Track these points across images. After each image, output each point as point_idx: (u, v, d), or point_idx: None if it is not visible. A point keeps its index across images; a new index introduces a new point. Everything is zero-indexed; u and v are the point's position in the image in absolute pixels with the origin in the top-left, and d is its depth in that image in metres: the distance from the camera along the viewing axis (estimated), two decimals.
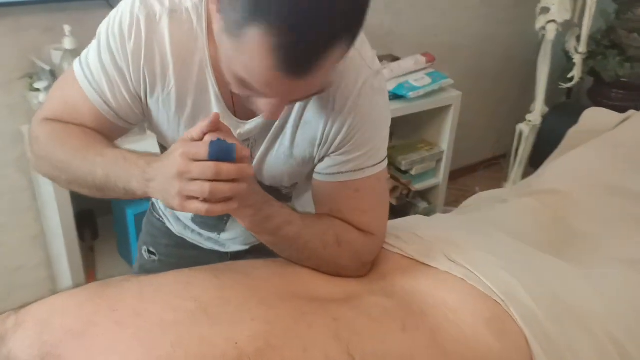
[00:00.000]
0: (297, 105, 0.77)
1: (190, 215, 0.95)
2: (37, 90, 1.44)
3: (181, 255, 1.06)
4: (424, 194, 2.33)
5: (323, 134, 0.77)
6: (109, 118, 0.77)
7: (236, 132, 0.78)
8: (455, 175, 2.82)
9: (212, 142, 0.62)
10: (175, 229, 1.03)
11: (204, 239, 1.00)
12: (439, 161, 2.24)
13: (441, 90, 2.07)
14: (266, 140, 0.81)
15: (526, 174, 2.15)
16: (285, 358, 0.64)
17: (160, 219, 1.07)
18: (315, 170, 0.83)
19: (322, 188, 0.83)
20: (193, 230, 0.99)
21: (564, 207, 1.19)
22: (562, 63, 2.56)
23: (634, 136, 1.38)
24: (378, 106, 0.78)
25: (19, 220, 1.72)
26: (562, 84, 2.24)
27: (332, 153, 0.79)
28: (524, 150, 2.35)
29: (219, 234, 0.96)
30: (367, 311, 0.76)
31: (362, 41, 0.76)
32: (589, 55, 2.36)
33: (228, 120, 0.77)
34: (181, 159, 0.63)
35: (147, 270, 1.12)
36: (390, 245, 0.90)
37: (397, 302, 0.79)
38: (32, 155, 0.80)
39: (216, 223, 0.94)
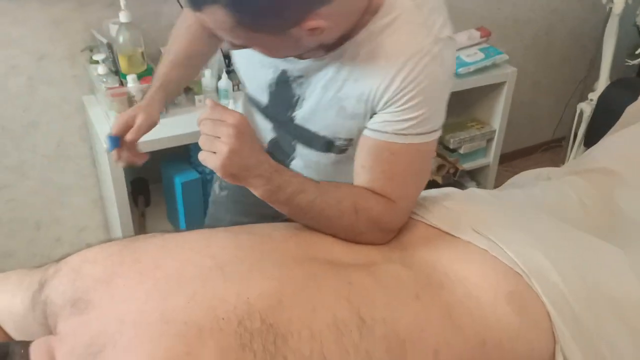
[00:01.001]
0: (350, 58, 0.81)
1: (267, 138, 1.04)
2: (96, 62, 1.52)
3: (248, 193, 1.12)
4: (473, 174, 2.28)
5: (370, 90, 0.80)
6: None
7: (290, 67, 0.88)
8: (509, 157, 2.73)
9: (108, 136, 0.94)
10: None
11: None
12: (489, 140, 2.17)
13: (494, 66, 2.00)
14: (318, 87, 0.86)
15: None
16: (293, 316, 0.66)
17: None
18: (365, 127, 0.85)
19: (363, 143, 0.85)
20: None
21: (615, 187, 1.13)
22: (632, 39, 2.39)
23: None
24: (432, 74, 0.78)
25: (83, 184, 1.84)
26: (629, 60, 2.10)
27: (380, 111, 0.81)
28: (584, 131, 2.23)
29: (289, 161, 1.03)
30: (382, 279, 0.76)
31: (434, 8, 0.79)
32: None
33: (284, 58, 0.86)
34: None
35: (216, 204, 1.26)
36: (414, 213, 0.90)
37: (414, 273, 0.79)
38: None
39: (287, 149, 1.01)
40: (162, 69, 1.03)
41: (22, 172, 1.73)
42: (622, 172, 1.16)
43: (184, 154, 1.71)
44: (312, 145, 0.95)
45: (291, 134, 0.97)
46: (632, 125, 1.29)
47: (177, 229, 1.73)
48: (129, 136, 0.93)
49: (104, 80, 1.51)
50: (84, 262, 0.74)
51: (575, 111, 2.28)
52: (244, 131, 0.74)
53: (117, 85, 1.51)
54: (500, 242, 0.83)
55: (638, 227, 1.07)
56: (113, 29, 1.52)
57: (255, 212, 1.20)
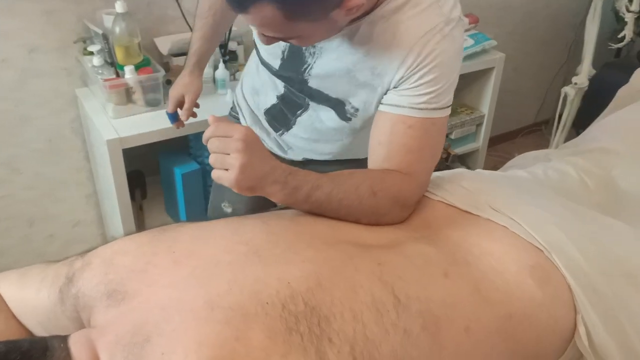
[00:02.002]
0: (365, 35, 0.85)
1: (266, 106, 1.11)
2: (91, 53, 1.49)
3: None
4: (463, 159, 2.32)
5: (385, 65, 0.84)
6: None
7: None
8: (494, 141, 2.78)
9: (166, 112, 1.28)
10: (247, 122, 1.17)
11: (269, 138, 1.14)
12: (479, 125, 2.22)
13: (484, 52, 2.04)
14: (331, 59, 0.90)
15: (569, 140, 2.10)
16: (334, 298, 0.67)
17: (236, 114, 1.24)
18: (379, 102, 0.89)
19: (378, 118, 0.89)
20: (262, 127, 1.15)
21: (614, 166, 1.17)
22: (611, 24, 2.46)
23: None
24: (445, 52, 0.82)
25: (75, 178, 1.81)
26: (612, 44, 2.16)
27: (394, 88, 0.85)
28: (568, 114, 2.29)
29: (282, 134, 1.11)
30: (410, 257, 0.78)
31: None
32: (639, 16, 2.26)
33: None
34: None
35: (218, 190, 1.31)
36: (433, 194, 0.92)
37: (440, 251, 0.81)
38: None
39: (285, 120, 1.09)
40: (195, 45, 1.21)
41: (14, 168, 1.69)
42: (620, 151, 1.21)
43: (183, 144, 1.70)
44: (325, 103, 0.99)
45: (305, 92, 1.00)
46: (628, 106, 1.34)
47: (176, 222, 1.72)
48: (183, 117, 1.26)
49: (100, 72, 1.49)
50: (116, 253, 0.74)
51: (559, 95, 2.34)
52: (252, 143, 0.76)
53: (114, 76, 1.49)
54: (518, 218, 0.85)
55: (637, 203, 1.12)
56: (107, 20, 1.50)
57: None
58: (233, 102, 1.28)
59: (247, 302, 0.64)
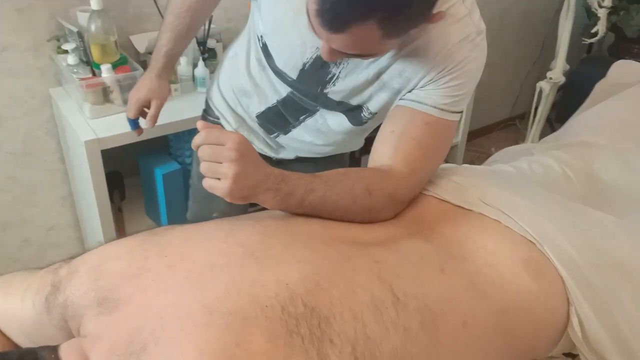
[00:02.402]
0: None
1: (259, 109, 1.09)
2: (65, 52, 1.44)
3: None
4: None
5: (415, 69, 0.85)
6: None
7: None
8: (471, 136, 2.82)
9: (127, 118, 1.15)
10: (232, 126, 1.14)
11: (258, 139, 1.12)
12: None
13: None
14: (361, 65, 0.89)
15: (545, 133, 2.14)
16: (334, 298, 0.66)
17: (217, 119, 1.17)
18: (399, 98, 0.89)
19: (396, 111, 0.89)
20: (249, 129, 1.13)
21: (595, 159, 1.20)
22: (582, 19, 2.51)
23: None
24: (474, 61, 0.85)
25: (49, 181, 1.76)
26: (585, 39, 2.21)
27: (420, 87, 0.86)
28: (543, 108, 2.33)
29: (277, 137, 1.10)
30: (406, 255, 0.78)
31: (473, 2, 0.86)
32: (612, 11, 2.32)
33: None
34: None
35: (198, 195, 1.28)
36: (425, 189, 0.92)
37: (435, 246, 0.81)
38: None
39: (283, 123, 1.07)
40: (167, 46, 1.12)
41: None
42: (600, 144, 1.23)
43: (162, 144, 1.67)
44: (338, 109, 0.99)
45: (319, 100, 0.99)
46: (606, 100, 1.37)
47: (158, 223, 1.69)
48: (148, 124, 1.15)
49: (75, 71, 1.44)
50: (105, 259, 0.71)
51: (534, 90, 2.38)
52: (245, 151, 0.74)
53: (90, 75, 1.45)
54: (510, 212, 0.86)
55: (619, 195, 1.15)
56: (82, 17, 1.45)
57: None
58: (207, 104, 1.23)
59: (246, 305, 0.63)
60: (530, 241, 0.83)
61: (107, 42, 1.43)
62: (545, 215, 0.87)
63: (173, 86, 1.58)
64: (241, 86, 1.10)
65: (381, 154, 0.88)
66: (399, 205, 0.88)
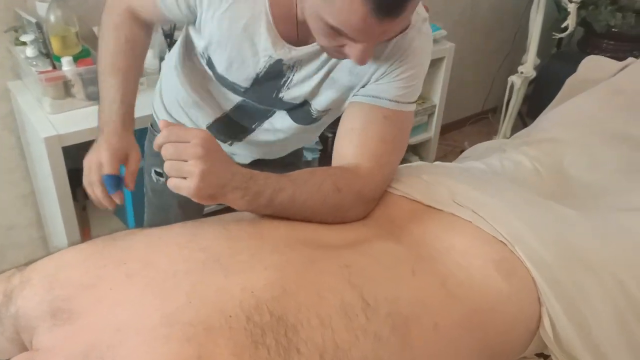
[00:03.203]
0: None
1: (208, 120, 1.05)
2: (24, 43, 1.38)
3: None
4: (415, 149, 2.34)
5: (365, 65, 0.82)
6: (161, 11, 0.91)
7: (288, 57, 0.87)
8: (444, 130, 2.82)
9: (104, 176, 0.87)
10: None
11: None
12: (430, 115, 2.24)
13: (434, 42, 2.04)
14: (313, 68, 0.88)
15: (516, 127, 2.16)
16: (300, 302, 0.64)
17: None
18: (353, 95, 0.88)
19: (353, 108, 0.87)
20: None
21: (564, 155, 1.20)
22: (552, 14, 2.53)
23: (635, 83, 1.37)
24: (422, 50, 0.85)
25: (9, 178, 1.69)
26: (555, 33, 2.22)
27: (373, 82, 0.85)
28: (515, 103, 2.35)
29: (231, 144, 1.06)
30: (377, 257, 0.76)
31: None
32: (581, 5, 2.34)
33: (281, 47, 0.86)
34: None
35: (158, 191, 1.20)
36: (395, 189, 0.90)
37: (406, 248, 0.80)
38: (102, 24, 0.97)
39: (236, 131, 1.04)
40: (120, 91, 0.92)
41: None
42: (569, 141, 1.24)
43: None
44: (293, 113, 0.97)
45: (276, 105, 0.96)
46: (576, 96, 1.37)
47: (125, 222, 1.64)
48: (131, 181, 0.92)
49: (34, 63, 1.38)
50: (60, 267, 0.67)
51: (505, 83, 2.39)
52: (211, 148, 0.71)
53: (50, 68, 1.38)
54: (481, 212, 0.85)
55: (587, 191, 1.15)
56: (41, 7, 1.39)
57: None
58: (153, 118, 1.17)
59: (209, 315, 0.60)
60: (501, 241, 0.82)
61: (68, 34, 1.37)
62: (515, 214, 0.86)
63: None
64: (187, 98, 1.05)
65: (344, 153, 0.86)
66: (367, 203, 0.86)
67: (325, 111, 0.95)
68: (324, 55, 0.86)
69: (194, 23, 0.91)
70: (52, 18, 1.33)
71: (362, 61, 0.74)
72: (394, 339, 0.67)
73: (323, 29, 0.71)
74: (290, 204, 0.79)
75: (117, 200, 0.91)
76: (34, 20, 1.36)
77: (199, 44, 0.93)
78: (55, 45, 1.37)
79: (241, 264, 0.68)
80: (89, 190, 0.92)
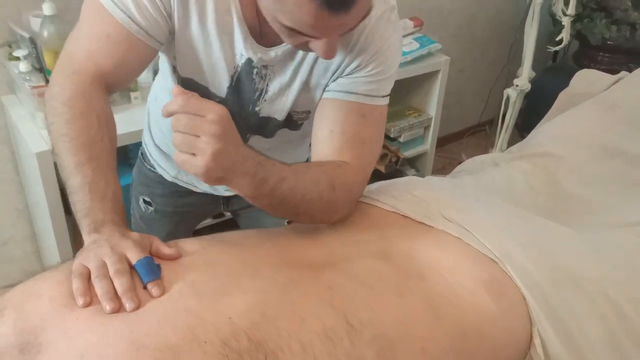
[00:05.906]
0: None
1: None
2: (17, 59, 1.38)
3: (176, 204, 1.10)
4: (412, 161, 2.33)
5: (337, 59, 0.81)
6: (139, 37, 0.77)
7: (257, 57, 0.83)
8: (441, 142, 2.82)
9: (138, 262, 0.65)
10: (169, 174, 1.06)
11: (199, 181, 1.03)
12: (427, 128, 2.23)
13: (429, 55, 2.05)
14: (286, 72, 0.85)
15: (512, 139, 2.15)
16: (280, 328, 0.62)
17: (152, 168, 1.09)
18: (326, 89, 0.85)
19: (329, 106, 0.84)
20: (187, 173, 1.00)
21: (558, 170, 1.20)
22: (548, 27, 2.54)
23: (628, 97, 1.37)
24: (393, 39, 0.82)
25: (4, 191, 1.68)
26: (550, 46, 2.23)
27: (346, 75, 0.83)
28: (511, 115, 2.35)
29: None
30: (362, 277, 0.74)
31: None
32: (576, 18, 2.35)
33: (250, 45, 0.82)
34: None
35: (147, 220, 1.16)
36: (386, 204, 0.89)
37: (393, 267, 0.78)
38: (55, 113, 0.77)
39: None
40: (109, 188, 0.73)
41: None
42: (562, 155, 1.23)
43: (121, 155, 1.60)
44: (269, 133, 0.94)
45: (250, 128, 0.93)
46: (569, 110, 1.37)
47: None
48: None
49: (27, 78, 1.38)
50: (28, 297, 0.63)
51: (502, 96, 2.39)
52: (228, 127, 0.66)
53: (43, 83, 1.38)
54: (471, 229, 0.84)
55: (581, 206, 1.14)
56: (34, 23, 1.39)
57: (190, 216, 1.17)
58: (145, 150, 1.11)
59: (180, 341, 0.58)
60: (492, 259, 0.81)
61: (61, 49, 1.37)
62: (506, 231, 0.85)
63: (133, 94, 1.52)
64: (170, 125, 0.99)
65: (325, 156, 0.83)
66: (355, 203, 0.86)
67: (307, 112, 0.91)
68: (295, 61, 0.84)
69: (172, 37, 0.82)
70: (45, 33, 1.33)
71: (329, 55, 0.71)
72: None
73: (281, 29, 0.69)
74: (291, 196, 0.76)
75: (157, 292, 0.64)
76: (27, 35, 1.36)
77: (183, 70, 0.87)
78: (49, 60, 1.37)
79: (218, 288, 0.65)
80: (101, 284, 0.63)
